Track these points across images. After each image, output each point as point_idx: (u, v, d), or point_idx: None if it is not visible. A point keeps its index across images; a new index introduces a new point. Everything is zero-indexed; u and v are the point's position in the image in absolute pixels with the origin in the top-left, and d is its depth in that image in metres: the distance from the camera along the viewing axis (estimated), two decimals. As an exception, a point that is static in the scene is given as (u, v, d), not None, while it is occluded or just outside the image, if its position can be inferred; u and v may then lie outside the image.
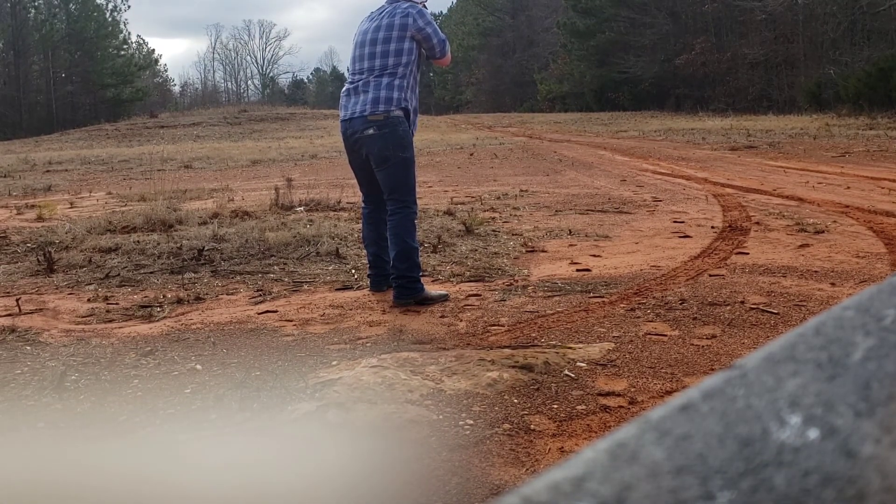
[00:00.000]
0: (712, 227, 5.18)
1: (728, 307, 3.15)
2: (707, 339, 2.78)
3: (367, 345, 2.83)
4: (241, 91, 78.75)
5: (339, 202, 6.88)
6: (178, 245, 4.82)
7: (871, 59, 24.01)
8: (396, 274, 3.36)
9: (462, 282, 3.82)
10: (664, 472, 0.28)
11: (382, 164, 3.38)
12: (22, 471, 1.87)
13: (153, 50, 61.39)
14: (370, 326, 3.09)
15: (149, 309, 3.49)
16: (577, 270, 4.01)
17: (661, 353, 2.63)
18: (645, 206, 6.41)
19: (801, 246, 4.39)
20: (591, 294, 3.47)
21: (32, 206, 7.69)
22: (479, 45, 51.75)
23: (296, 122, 32.62)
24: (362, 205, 3.72)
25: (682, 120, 24.66)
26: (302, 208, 6.66)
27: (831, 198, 6.38)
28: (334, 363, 2.59)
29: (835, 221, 5.18)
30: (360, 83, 3.41)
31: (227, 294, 3.74)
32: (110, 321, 3.33)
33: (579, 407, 2.18)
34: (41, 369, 2.64)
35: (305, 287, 3.83)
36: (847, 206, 5.83)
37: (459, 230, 5.22)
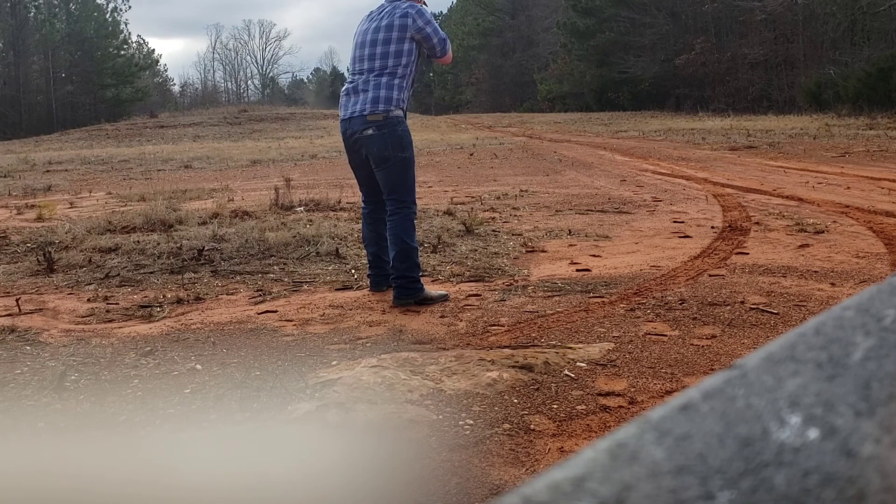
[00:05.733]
0: (712, 228, 5.18)
1: (728, 307, 3.15)
2: (707, 339, 2.78)
3: (367, 345, 2.83)
4: (241, 91, 78.74)
5: (339, 202, 6.88)
6: (178, 245, 4.82)
7: (871, 59, 24.01)
8: (396, 274, 3.36)
9: (462, 282, 3.82)
10: (664, 472, 0.28)
11: (382, 164, 3.38)
12: (22, 471, 1.87)
13: (153, 50, 61.44)
14: (370, 326, 3.09)
15: (149, 309, 3.49)
16: (577, 270, 4.01)
17: (661, 353, 2.63)
18: (645, 206, 6.41)
19: (801, 246, 4.39)
20: (591, 294, 3.47)
21: (32, 206, 7.69)
22: (479, 45, 51.75)
23: (296, 122, 32.62)
24: (362, 205, 3.72)
25: (682, 120, 24.66)
26: (302, 208, 6.66)
27: (831, 198, 6.38)
28: (334, 363, 2.59)
29: (835, 221, 5.18)
30: (360, 82, 3.41)
31: (227, 294, 3.74)
32: (110, 321, 3.33)
33: (579, 407, 2.18)
34: (41, 369, 2.64)
35: (305, 287, 3.83)
36: (847, 207, 5.83)
37: (459, 230, 5.22)
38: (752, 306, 3.16)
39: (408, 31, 3.37)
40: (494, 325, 3.03)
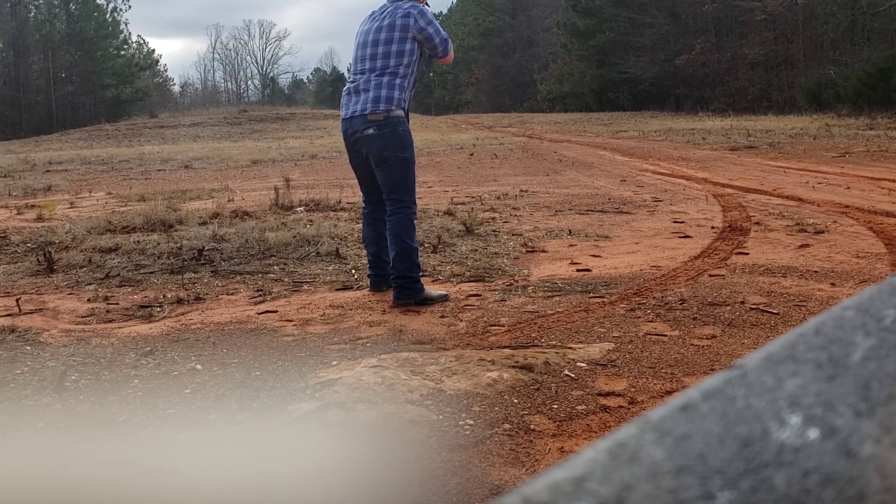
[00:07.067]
0: (712, 228, 5.18)
1: (728, 307, 3.15)
2: (707, 339, 2.78)
3: (367, 345, 2.83)
4: (241, 91, 78.79)
5: (339, 202, 6.88)
6: (178, 245, 4.82)
7: (871, 59, 24.00)
8: (396, 274, 3.36)
9: (462, 282, 3.82)
10: (664, 472, 0.28)
11: (382, 163, 3.38)
12: (21, 471, 1.87)
13: (153, 50, 61.40)
14: (370, 326, 3.09)
15: (149, 309, 3.49)
16: (577, 270, 4.01)
17: (661, 353, 2.63)
18: (645, 207, 6.41)
19: (801, 246, 4.39)
20: (591, 294, 3.47)
21: (32, 206, 7.69)
22: (479, 45, 51.74)
23: (296, 123, 32.62)
24: (362, 205, 3.72)
25: (682, 120, 24.67)
26: (302, 208, 6.66)
27: (831, 198, 6.38)
28: (334, 363, 2.59)
29: (835, 221, 5.18)
30: (361, 82, 3.41)
31: (227, 294, 3.74)
32: (110, 321, 3.33)
33: (579, 407, 2.18)
34: (41, 369, 2.64)
35: (305, 287, 3.83)
36: (847, 207, 5.83)
37: (459, 230, 5.22)
38: (752, 306, 3.16)
39: (409, 31, 3.37)
40: (494, 325, 3.03)
